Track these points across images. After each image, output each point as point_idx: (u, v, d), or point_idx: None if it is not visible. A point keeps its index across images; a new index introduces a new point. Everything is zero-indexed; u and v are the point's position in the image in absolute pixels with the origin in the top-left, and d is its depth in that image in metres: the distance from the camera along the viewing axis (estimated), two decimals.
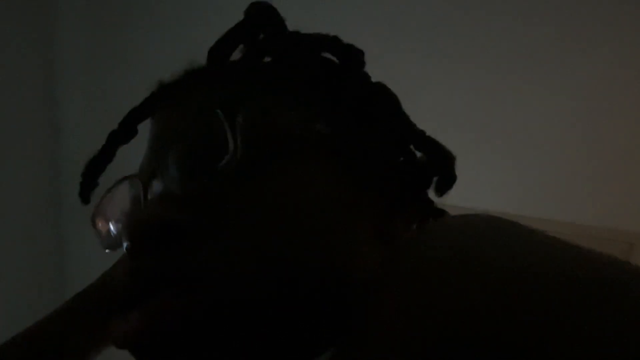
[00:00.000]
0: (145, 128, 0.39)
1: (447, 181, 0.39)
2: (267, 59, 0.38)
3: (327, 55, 0.38)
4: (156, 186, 0.33)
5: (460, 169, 0.39)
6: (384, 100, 0.38)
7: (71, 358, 0.45)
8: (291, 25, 0.38)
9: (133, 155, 0.42)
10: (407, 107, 0.39)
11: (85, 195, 0.42)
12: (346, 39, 0.38)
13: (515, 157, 1.20)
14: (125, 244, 0.31)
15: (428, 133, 0.39)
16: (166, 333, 0.29)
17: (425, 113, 0.47)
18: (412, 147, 0.39)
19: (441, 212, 0.39)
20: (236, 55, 0.38)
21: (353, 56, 0.38)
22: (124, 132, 0.40)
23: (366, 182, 0.34)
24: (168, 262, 0.30)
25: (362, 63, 0.38)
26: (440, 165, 0.39)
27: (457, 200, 0.41)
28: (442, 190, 0.38)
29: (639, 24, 1.18)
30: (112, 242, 0.38)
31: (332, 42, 0.38)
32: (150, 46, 1.51)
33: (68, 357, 0.45)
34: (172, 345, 0.29)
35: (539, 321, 0.20)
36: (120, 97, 1.51)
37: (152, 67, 1.54)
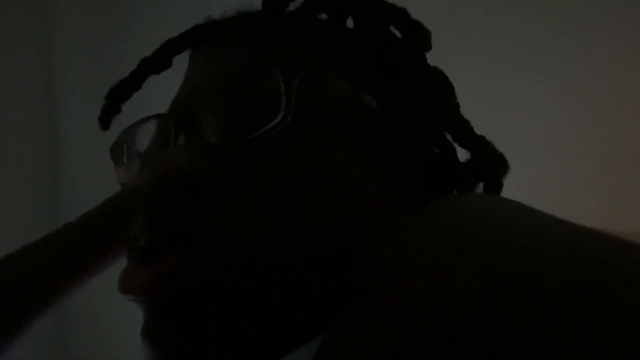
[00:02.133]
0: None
1: (491, 189, 0.37)
2: (323, 15, 0.35)
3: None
4: (189, 131, 0.31)
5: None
6: (438, 86, 0.36)
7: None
8: None
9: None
10: None
11: (105, 120, 0.39)
12: None
13: (516, 157, 1.20)
14: (146, 186, 0.29)
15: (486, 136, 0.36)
16: (179, 291, 0.27)
17: None
18: (456, 143, 0.36)
19: None
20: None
21: (419, 35, 0.35)
22: (156, 62, 0.37)
23: (400, 165, 0.33)
24: (189, 216, 0.28)
25: (427, 43, 0.35)
26: (487, 171, 0.36)
27: None
28: None
29: None
30: (129, 180, 0.36)
31: (401, 15, 0.35)
32: (151, 46, 1.51)
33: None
34: (183, 303, 0.27)
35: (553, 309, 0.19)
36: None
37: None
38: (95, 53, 1.61)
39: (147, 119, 0.35)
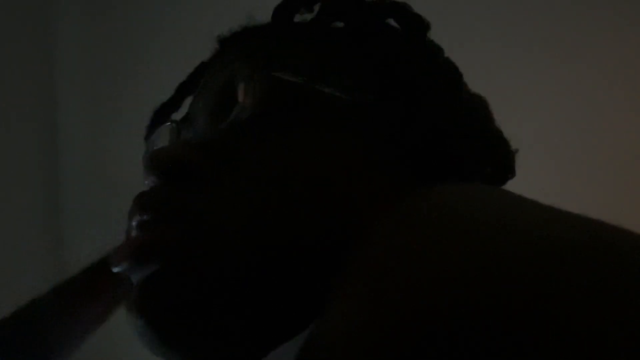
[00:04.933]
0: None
1: (499, 176, 0.38)
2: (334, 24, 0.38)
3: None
4: (187, 131, 0.36)
5: None
6: (441, 76, 0.37)
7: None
8: None
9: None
10: None
11: (147, 135, 0.43)
12: None
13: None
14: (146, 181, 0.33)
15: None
16: (161, 259, 0.30)
17: None
18: (460, 131, 0.37)
19: None
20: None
21: (415, 26, 0.37)
22: (191, 84, 0.41)
23: (392, 156, 0.34)
24: (174, 196, 0.31)
25: (422, 33, 0.37)
26: (492, 158, 0.37)
27: None
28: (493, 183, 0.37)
29: None
30: None
31: (397, 9, 0.37)
32: (151, 46, 1.51)
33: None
34: (165, 274, 0.30)
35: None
36: (121, 98, 1.52)
37: (152, 67, 1.54)
38: (96, 53, 1.61)
39: (159, 127, 0.40)
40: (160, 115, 0.43)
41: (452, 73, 0.38)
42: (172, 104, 0.42)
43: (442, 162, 0.36)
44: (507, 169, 0.38)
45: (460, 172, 0.36)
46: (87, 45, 1.62)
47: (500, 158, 0.38)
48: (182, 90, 0.41)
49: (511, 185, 0.39)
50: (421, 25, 0.37)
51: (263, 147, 0.32)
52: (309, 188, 0.31)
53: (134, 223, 0.32)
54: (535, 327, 0.18)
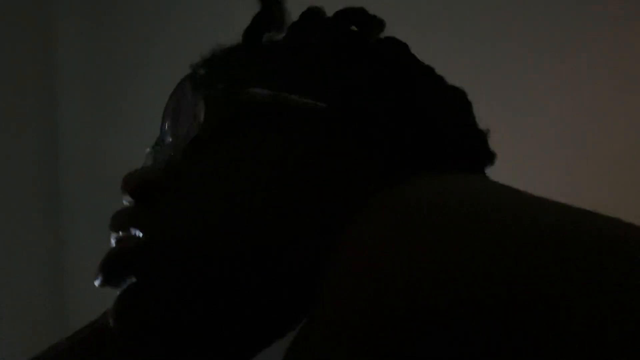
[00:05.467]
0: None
1: (477, 162, 0.38)
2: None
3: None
4: (158, 154, 0.39)
5: None
6: (408, 74, 0.38)
7: None
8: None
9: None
10: None
11: None
12: None
13: (517, 156, 1.20)
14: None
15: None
16: (124, 269, 0.33)
17: None
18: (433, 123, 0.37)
19: None
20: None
21: (367, 26, 0.39)
22: None
23: (362, 156, 0.35)
24: (140, 212, 0.35)
25: (373, 32, 0.39)
26: (470, 157, 0.38)
27: None
28: (473, 170, 0.38)
29: None
30: None
31: (353, 15, 0.39)
32: (151, 47, 1.51)
33: None
34: (135, 284, 0.33)
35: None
36: (121, 98, 1.52)
37: (152, 67, 1.54)
38: (96, 53, 1.61)
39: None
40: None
41: (421, 67, 0.39)
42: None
43: (423, 155, 0.37)
44: (486, 157, 0.39)
45: (442, 163, 0.37)
46: (87, 45, 1.62)
47: (478, 147, 0.38)
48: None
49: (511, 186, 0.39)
50: (377, 24, 0.39)
51: (217, 159, 0.35)
52: (270, 191, 0.33)
53: (112, 241, 0.35)
54: (533, 323, 0.19)
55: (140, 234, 0.34)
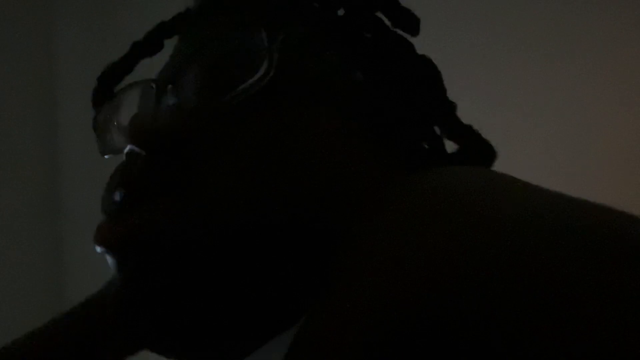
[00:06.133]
0: None
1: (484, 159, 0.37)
2: None
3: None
4: (171, 94, 0.32)
5: None
6: (424, 73, 0.36)
7: None
8: None
9: None
10: None
11: (96, 101, 0.39)
12: None
13: (516, 157, 1.20)
14: (127, 148, 0.30)
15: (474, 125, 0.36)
16: (154, 239, 0.27)
17: None
18: (443, 131, 0.36)
19: None
20: None
21: (408, 20, 0.36)
22: (149, 44, 0.38)
23: (386, 143, 0.33)
24: (162, 173, 0.29)
25: (414, 29, 0.36)
26: (473, 158, 0.36)
27: None
28: None
29: None
30: (111, 148, 0.36)
31: (390, 2, 0.36)
32: None
33: None
34: (156, 254, 0.28)
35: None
36: None
37: (152, 67, 1.54)
38: (96, 53, 1.61)
39: (131, 86, 0.35)
40: (110, 78, 0.39)
41: (434, 70, 0.37)
42: (124, 66, 0.38)
43: (432, 154, 0.36)
44: (488, 160, 0.37)
45: (449, 157, 0.36)
46: (87, 45, 1.62)
47: (480, 150, 0.37)
48: (138, 52, 0.38)
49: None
50: (411, 20, 0.36)
51: (267, 124, 0.30)
52: (305, 172, 0.29)
53: (117, 198, 0.29)
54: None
55: (170, 201, 0.27)
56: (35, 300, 1.48)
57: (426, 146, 0.36)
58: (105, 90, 0.39)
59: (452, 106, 0.36)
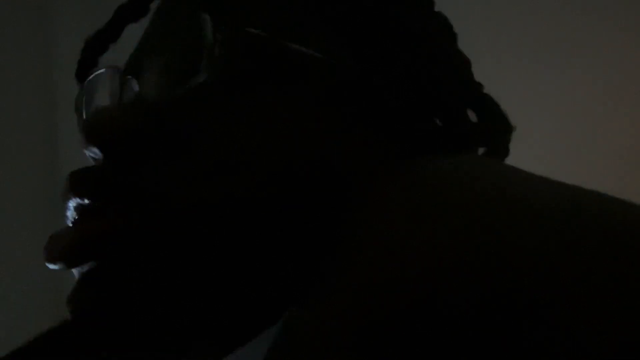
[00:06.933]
0: None
1: (496, 153, 0.34)
2: None
3: None
4: (134, 86, 0.29)
5: None
6: (436, 33, 0.32)
7: None
8: None
9: None
10: None
11: (81, 74, 0.36)
12: None
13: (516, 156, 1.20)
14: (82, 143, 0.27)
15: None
16: (99, 256, 0.25)
17: None
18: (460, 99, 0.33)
19: None
20: None
21: None
22: (133, 9, 0.35)
23: (382, 124, 0.30)
24: (115, 172, 0.26)
25: None
26: (489, 134, 0.33)
27: None
28: None
29: None
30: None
31: None
32: None
33: None
34: (105, 270, 0.25)
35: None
36: None
37: None
38: None
39: (105, 70, 0.33)
40: (96, 47, 0.35)
41: (446, 30, 0.33)
42: (109, 33, 0.34)
43: (440, 131, 0.33)
44: (502, 146, 0.35)
45: (458, 141, 0.33)
46: None
47: (497, 134, 0.34)
48: (122, 16, 0.34)
49: None
50: None
51: (231, 117, 0.27)
52: (283, 160, 0.27)
53: (70, 206, 0.26)
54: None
55: (125, 207, 0.25)
56: (36, 300, 1.47)
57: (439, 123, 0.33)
58: (89, 61, 0.37)
59: (468, 63, 0.34)
